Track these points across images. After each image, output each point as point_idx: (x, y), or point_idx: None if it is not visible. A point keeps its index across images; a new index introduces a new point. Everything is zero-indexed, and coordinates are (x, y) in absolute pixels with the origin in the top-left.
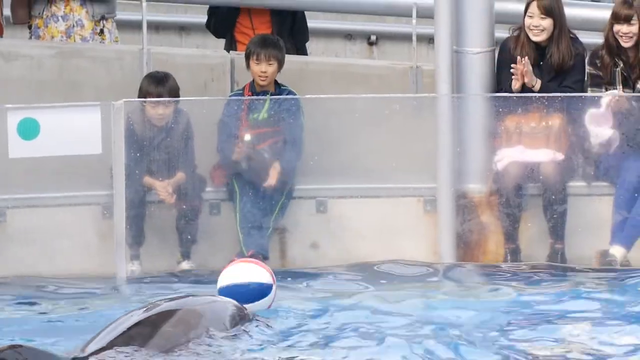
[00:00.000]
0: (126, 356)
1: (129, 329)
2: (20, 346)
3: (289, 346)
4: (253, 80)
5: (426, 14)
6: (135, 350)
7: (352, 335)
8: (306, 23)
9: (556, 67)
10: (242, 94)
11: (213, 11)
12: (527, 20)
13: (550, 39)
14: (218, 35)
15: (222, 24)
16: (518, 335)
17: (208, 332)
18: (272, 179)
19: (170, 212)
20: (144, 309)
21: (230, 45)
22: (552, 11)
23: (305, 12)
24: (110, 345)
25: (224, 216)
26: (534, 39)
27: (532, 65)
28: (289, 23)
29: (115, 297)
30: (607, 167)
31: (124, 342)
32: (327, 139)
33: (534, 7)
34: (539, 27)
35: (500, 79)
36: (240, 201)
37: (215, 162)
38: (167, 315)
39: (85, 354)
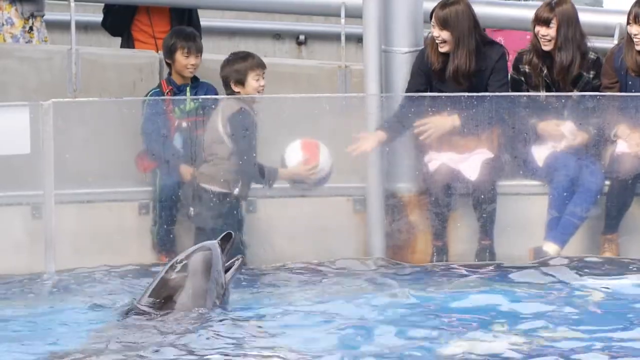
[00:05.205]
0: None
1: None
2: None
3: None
4: (170, 74)
5: (355, 14)
6: None
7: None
8: (199, 20)
9: (459, 79)
10: (160, 91)
11: (109, 9)
12: (432, 30)
13: (453, 49)
14: (114, 33)
15: (118, 22)
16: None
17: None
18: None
19: None
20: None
21: (127, 44)
22: (448, 23)
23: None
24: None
25: None
26: (439, 49)
27: (444, 73)
28: (187, 21)
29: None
30: (535, 167)
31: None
32: (257, 138)
33: (433, 18)
34: (439, 38)
35: (410, 81)
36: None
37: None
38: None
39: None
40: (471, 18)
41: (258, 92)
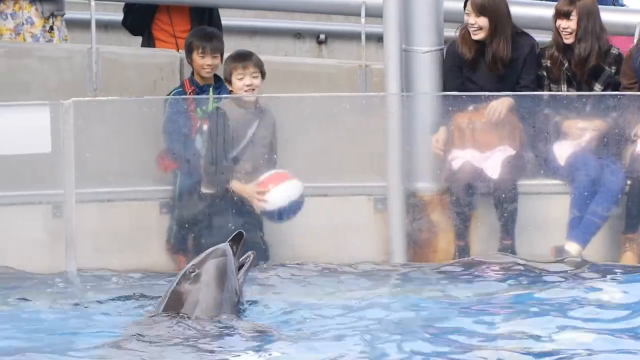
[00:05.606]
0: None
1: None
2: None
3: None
4: (192, 74)
5: (375, 13)
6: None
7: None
8: (220, 19)
9: (498, 66)
10: (183, 90)
11: (129, 8)
12: (465, 17)
13: (489, 37)
14: (135, 32)
15: (139, 21)
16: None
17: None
18: None
19: None
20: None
21: (148, 43)
22: (486, 9)
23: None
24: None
25: None
26: (473, 37)
27: (477, 62)
28: (207, 20)
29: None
30: (556, 166)
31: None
32: (277, 137)
33: (469, 5)
34: (475, 25)
35: (447, 79)
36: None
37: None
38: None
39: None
40: (506, 5)
41: (245, 91)
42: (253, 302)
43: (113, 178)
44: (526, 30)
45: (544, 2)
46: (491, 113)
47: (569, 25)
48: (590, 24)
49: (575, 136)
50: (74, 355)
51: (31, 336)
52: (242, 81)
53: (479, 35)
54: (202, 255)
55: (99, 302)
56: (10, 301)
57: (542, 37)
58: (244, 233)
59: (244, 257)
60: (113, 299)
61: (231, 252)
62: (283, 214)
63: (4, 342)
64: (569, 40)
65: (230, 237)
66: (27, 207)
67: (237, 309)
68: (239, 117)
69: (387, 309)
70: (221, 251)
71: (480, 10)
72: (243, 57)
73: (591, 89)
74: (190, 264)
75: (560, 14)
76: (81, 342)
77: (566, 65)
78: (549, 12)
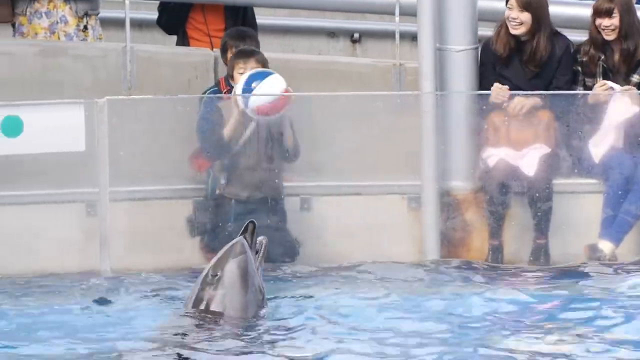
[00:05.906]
0: None
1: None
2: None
3: (280, 345)
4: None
5: (409, 12)
6: None
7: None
8: (255, 18)
9: (536, 63)
10: (218, 89)
11: (164, 7)
12: (507, 12)
13: (529, 33)
14: (169, 32)
15: (174, 20)
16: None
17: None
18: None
19: None
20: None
21: (183, 42)
22: (530, 5)
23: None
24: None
25: None
26: (513, 32)
27: (511, 58)
28: (241, 19)
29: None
30: (590, 165)
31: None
32: (311, 136)
33: (512, 0)
34: (517, 20)
35: (483, 76)
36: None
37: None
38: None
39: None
40: (547, 3)
41: None
42: (284, 302)
43: (147, 177)
44: (559, 30)
45: (578, 1)
46: (515, 107)
47: (611, 22)
48: (631, 19)
49: (605, 95)
50: (103, 354)
51: (62, 335)
52: (243, 76)
53: (519, 30)
54: (221, 254)
55: (132, 301)
56: (43, 301)
57: (575, 37)
58: (255, 222)
59: (257, 243)
60: (146, 298)
61: (248, 247)
62: (247, 83)
63: (35, 342)
64: (610, 37)
65: (242, 229)
66: (61, 205)
67: (263, 307)
68: (237, 114)
69: (423, 308)
70: (239, 248)
71: (525, 6)
72: (246, 54)
73: (628, 80)
74: (210, 265)
75: (601, 13)
76: (111, 341)
77: (602, 57)
78: (582, 11)
